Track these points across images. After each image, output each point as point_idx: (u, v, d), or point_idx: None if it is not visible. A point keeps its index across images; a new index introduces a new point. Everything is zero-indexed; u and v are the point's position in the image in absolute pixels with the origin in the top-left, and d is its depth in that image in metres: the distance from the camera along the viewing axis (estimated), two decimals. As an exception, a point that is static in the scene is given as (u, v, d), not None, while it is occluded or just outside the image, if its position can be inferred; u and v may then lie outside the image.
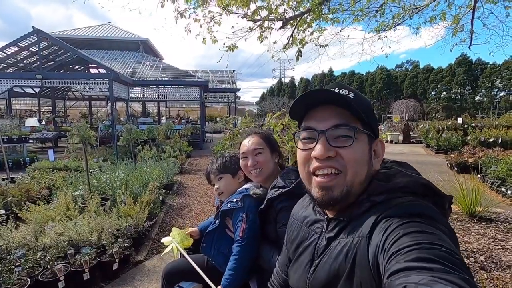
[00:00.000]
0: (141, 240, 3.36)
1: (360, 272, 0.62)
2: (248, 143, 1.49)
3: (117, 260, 2.69)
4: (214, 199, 5.25)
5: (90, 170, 4.82)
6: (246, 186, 1.57)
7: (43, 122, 13.44)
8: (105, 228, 2.92)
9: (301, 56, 3.70)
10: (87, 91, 10.35)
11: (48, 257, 2.43)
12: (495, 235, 2.91)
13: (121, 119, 15.72)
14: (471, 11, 3.42)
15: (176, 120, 16.84)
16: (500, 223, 3.23)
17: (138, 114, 18.92)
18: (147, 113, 19.84)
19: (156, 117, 19.34)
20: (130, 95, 13.04)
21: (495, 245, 2.67)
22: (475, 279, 2.04)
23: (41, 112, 16.19)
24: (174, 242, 1.50)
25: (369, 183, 0.73)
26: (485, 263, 2.30)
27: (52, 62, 10.92)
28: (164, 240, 1.58)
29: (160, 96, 14.73)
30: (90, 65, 13.45)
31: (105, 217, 3.12)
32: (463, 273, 0.45)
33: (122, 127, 6.70)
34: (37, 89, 14.04)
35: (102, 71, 12.01)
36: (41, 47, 9.46)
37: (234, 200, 1.49)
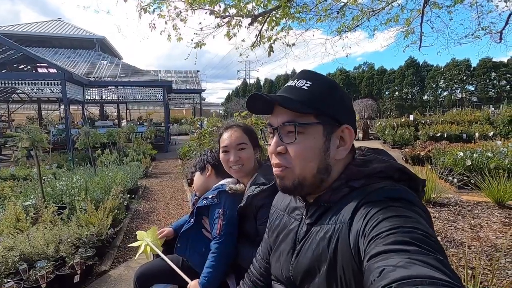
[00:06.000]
0: (105, 249, 3.14)
1: (341, 257, 0.63)
2: (230, 136, 1.37)
3: (78, 271, 2.48)
4: (183, 201, 5.12)
5: (44, 177, 4.40)
6: (222, 182, 1.53)
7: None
8: (63, 239, 2.68)
9: (272, 51, 3.74)
10: (36, 93, 9.46)
11: (-4, 275, 2.17)
12: (448, 217, 3.20)
13: (77, 122, 14.58)
14: (421, 15, 3.75)
15: (138, 123, 16.04)
16: (451, 207, 3.56)
17: (96, 117, 17.70)
18: (105, 116, 18.62)
19: (116, 120, 18.26)
20: (86, 96, 12.17)
21: (448, 226, 2.94)
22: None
23: (-20, 117, 14.42)
24: (147, 241, 1.43)
25: (345, 169, 0.73)
26: (441, 243, 2.53)
27: (-8, 61, 9.80)
28: (139, 233, 1.52)
29: (120, 98, 13.92)
30: (38, 64, 12.29)
31: (63, 227, 2.87)
32: (437, 254, 0.47)
33: (79, 130, 6.23)
34: (-27, 91, 12.50)
35: (52, 70, 11.05)
36: (-23, 44, 8.45)
37: (210, 196, 1.45)
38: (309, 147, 0.71)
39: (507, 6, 3.80)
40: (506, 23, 3.80)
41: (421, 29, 3.99)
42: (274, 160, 0.76)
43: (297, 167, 0.72)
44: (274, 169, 0.77)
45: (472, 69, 34.58)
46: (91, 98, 13.21)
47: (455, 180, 5.12)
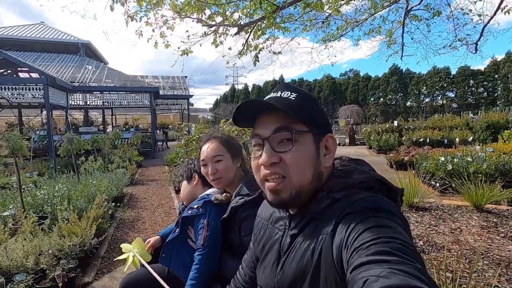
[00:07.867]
0: (89, 260, 3.05)
1: (325, 269, 0.64)
2: (207, 149, 1.40)
3: (60, 284, 2.39)
4: (170, 209, 5.04)
5: (23, 186, 4.24)
6: (208, 191, 1.53)
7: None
8: (44, 250, 2.59)
9: (258, 61, 3.77)
10: (17, 98, 9.16)
11: (-29, 291, 2.07)
12: (430, 221, 3.29)
13: (60, 128, 14.18)
14: (402, 26, 3.92)
15: (124, 129, 15.75)
16: (433, 211, 3.66)
17: (79, 122, 17.27)
18: (90, 122, 18.19)
19: (101, 126, 17.87)
20: (70, 102, 11.90)
21: (430, 231, 3.02)
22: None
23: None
24: (134, 252, 1.39)
25: (328, 180, 0.75)
26: (423, 247, 2.60)
27: (-30, 65, 9.46)
28: (123, 246, 1.46)
29: (105, 103, 13.66)
30: (20, 68, 11.93)
31: (44, 238, 2.78)
32: (416, 263, 0.49)
33: (62, 137, 6.07)
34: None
35: (34, 75, 10.76)
36: (-46, 47, 8.14)
37: (195, 206, 1.45)
38: (305, 155, 0.71)
39: (481, 19, 4.02)
40: (481, 35, 4.02)
41: (403, 40, 4.16)
42: (267, 171, 0.73)
43: (295, 176, 0.71)
44: (267, 184, 0.74)
45: (452, 76, 36.03)
46: (75, 104, 12.93)
47: (437, 184, 5.27)
